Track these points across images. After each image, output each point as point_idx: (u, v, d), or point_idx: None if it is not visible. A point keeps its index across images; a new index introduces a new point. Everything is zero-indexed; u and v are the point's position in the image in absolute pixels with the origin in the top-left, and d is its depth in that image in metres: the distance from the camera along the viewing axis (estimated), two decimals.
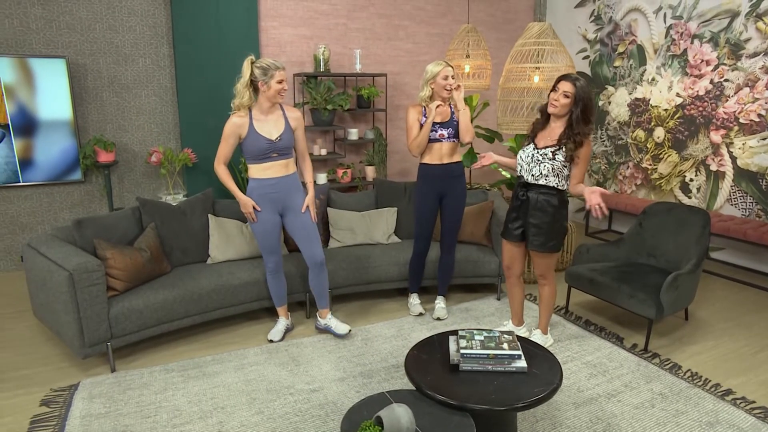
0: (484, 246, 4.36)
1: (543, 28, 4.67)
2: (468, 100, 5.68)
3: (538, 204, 3.20)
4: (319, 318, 3.73)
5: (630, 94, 6.01)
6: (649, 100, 5.81)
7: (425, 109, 3.61)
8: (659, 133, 5.75)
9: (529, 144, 3.26)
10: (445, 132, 3.61)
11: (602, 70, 6.32)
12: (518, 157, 3.30)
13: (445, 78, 3.51)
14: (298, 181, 3.45)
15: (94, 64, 4.93)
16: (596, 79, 6.37)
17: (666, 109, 5.65)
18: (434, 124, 3.58)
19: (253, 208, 3.30)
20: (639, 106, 5.93)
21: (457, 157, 3.72)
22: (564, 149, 3.09)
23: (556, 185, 3.17)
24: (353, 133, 5.70)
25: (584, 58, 6.53)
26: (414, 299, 4.06)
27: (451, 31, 6.41)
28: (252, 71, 3.14)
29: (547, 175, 3.15)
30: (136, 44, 5.05)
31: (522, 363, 2.50)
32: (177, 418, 2.81)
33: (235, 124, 3.20)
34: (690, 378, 3.21)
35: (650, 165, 5.89)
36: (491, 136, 5.70)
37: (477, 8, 6.55)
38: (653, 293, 3.47)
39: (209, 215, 3.90)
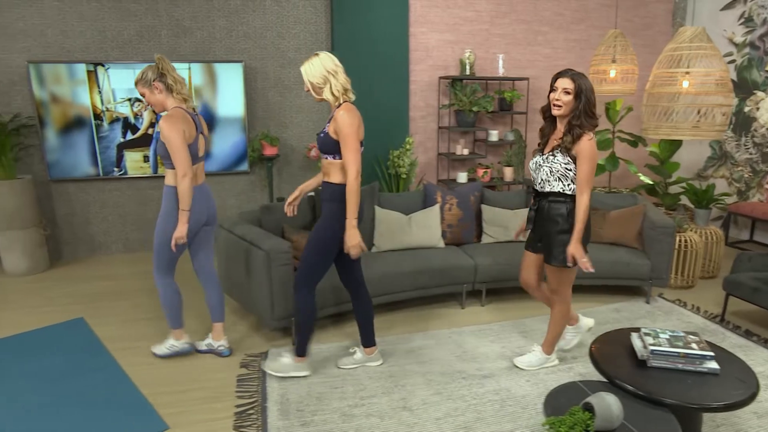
0: (634, 249, 4.33)
1: (696, 32, 4.55)
2: (611, 105, 5.63)
3: (546, 213, 2.97)
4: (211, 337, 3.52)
5: None
6: None
7: None
8: None
9: (539, 152, 3.04)
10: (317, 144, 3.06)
11: (751, 74, 6.02)
12: (528, 166, 3.17)
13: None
14: (167, 193, 3.16)
15: (262, 67, 5.43)
16: (743, 84, 6.07)
17: None
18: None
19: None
20: None
21: (331, 177, 2.95)
22: (562, 144, 2.85)
23: (562, 190, 2.90)
24: (493, 135, 5.83)
25: (730, 62, 6.24)
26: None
27: (589, 37, 6.36)
28: None
29: (548, 180, 2.92)
30: (299, 49, 5.49)
31: (714, 364, 2.51)
32: (362, 391, 3.07)
33: None
34: None
35: None
36: (635, 141, 5.62)
37: (615, 14, 6.45)
38: None
39: (375, 207, 4.18)
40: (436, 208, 4.30)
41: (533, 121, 6.24)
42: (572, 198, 2.90)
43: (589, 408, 2.18)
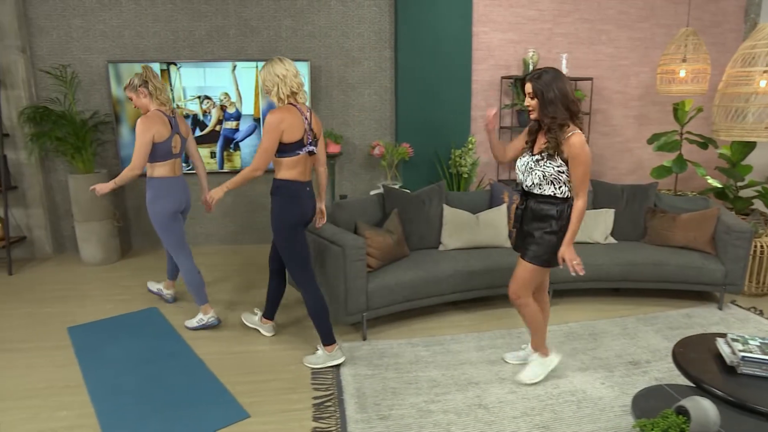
0: (707, 253, 4.22)
1: None
2: (680, 105, 5.49)
3: (536, 214, 2.90)
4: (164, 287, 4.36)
5: None
6: None
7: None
8: None
9: (526, 151, 2.96)
10: None
11: None
12: (516, 166, 3.01)
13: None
14: (147, 183, 3.78)
15: (327, 66, 5.52)
16: None
17: None
18: None
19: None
20: None
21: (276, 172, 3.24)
22: (548, 150, 2.79)
23: (553, 194, 2.83)
24: None
25: None
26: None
27: (653, 35, 6.21)
28: None
29: (540, 184, 2.84)
30: (363, 48, 5.55)
31: None
32: (437, 387, 3.10)
33: None
34: None
35: None
36: (704, 142, 5.46)
37: (683, 11, 6.28)
38: None
39: (444, 205, 4.21)
40: (503, 207, 4.29)
41: (597, 122, 6.13)
42: (563, 200, 2.84)
43: (682, 412, 2.15)
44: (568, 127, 2.74)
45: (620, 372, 3.24)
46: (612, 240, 4.45)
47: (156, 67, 5.21)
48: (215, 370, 3.31)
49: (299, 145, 3.14)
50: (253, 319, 3.84)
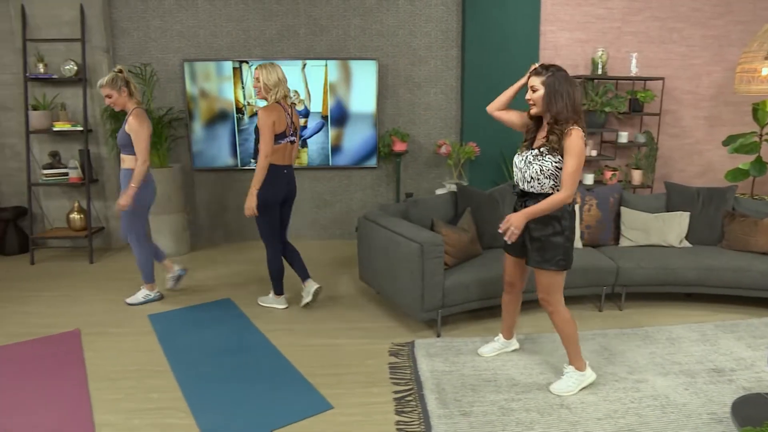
0: None
1: None
2: (760, 106, 5.31)
3: (539, 216, 2.82)
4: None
5: None
6: None
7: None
8: None
9: (524, 147, 2.93)
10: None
11: None
12: (513, 164, 2.99)
13: (255, 79, 3.78)
14: (128, 175, 3.96)
15: (394, 65, 5.58)
16: None
17: None
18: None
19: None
20: None
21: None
22: (548, 145, 2.78)
23: (552, 189, 2.81)
24: (623, 136, 5.67)
25: None
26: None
27: (728, 33, 6.02)
28: None
29: (537, 178, 2.81)
30: (430, 47, 5.59)
31: None
32: (516, 386, 3.10)
33: None
34: None
35: None
36: None
37: (762, 6, 6.05)
38: None
39: None
40: (576, 208, 4.24)
41: (666, 123, 5.99)
42: None
43: None
44: (571, 124, 2.74)
45: (703, 379, 3.17)
46: (687, 243, 4.35)
47: (228, 65, 5.37)
48: (294, 361, 3.40)
49: (282, 135, 3.82)
50: (267, 299, 4.28)
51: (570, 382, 3.06)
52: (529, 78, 2.84)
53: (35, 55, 5.21)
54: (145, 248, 4.20)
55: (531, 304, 4.16)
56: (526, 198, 2.91)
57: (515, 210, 2.98)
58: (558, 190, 2.81)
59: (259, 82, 3.73)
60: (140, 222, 4.11)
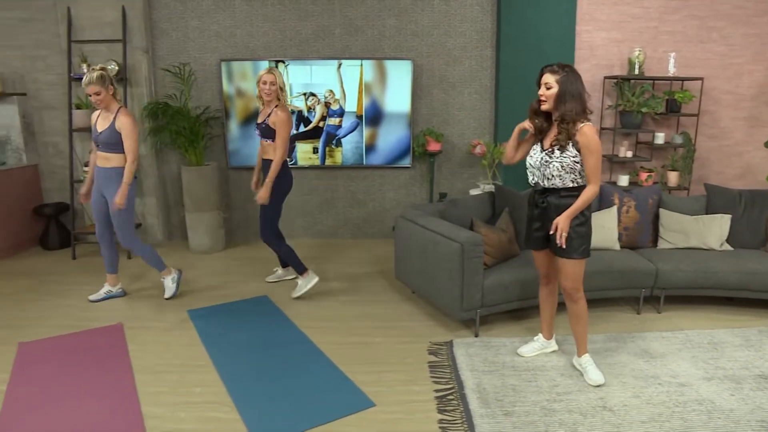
0: None
1: None
2: None
3: (562, 209, 2.96)
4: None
5: None
6: None
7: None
8: None
9: (534, 147, 3.08)
10: (258, 131, 4.19)
11: None
12: (527, 164, 3.11)
13: (264, 83, 4.02)
14: (115, 174, 3.97)
15: (428, 65, 5.59)
16: None
17: None
18: (257, 122, 4.21)
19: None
20: None
21: (270, 155, 4.14)
22: (559, 143, 2.91)
23: (573, 183, 2.95)
24: (660, 137, 5.59)
25: None
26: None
27: None
28: None
29: (559, 175, 2.94)
30: (464, 47, 5.59)
31: None
32: (557, 387, 3.09)
33: (92, 115, 4.10)
34: None
35: None
36: None
37: None
38: None
39: None
40: (614, 209, 4.21)
41: (704, 124, 5.89)
42: (581, 189, 2.96)
43: None
44: (580, 120, 2.88)
45: (750, 385, 3.12)
46: (728, 247, 4.28)
47: (264, 65, 5.44)
48: (333, 358, 3.44)
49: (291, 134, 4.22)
50: (278, 273, 4.73)
51: (596, 370, 3.18)
52: (543, 75, 2.97)
53: (79, 55, 5.34)
54: (140, 243, 4.23)
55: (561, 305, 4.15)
56: (548, 194, 3.03)
57: (536, 206, 3.12)
58: (576, 183, 2.96)
59: (274, 85, 4.01)
60: (131, 218, 4.15)
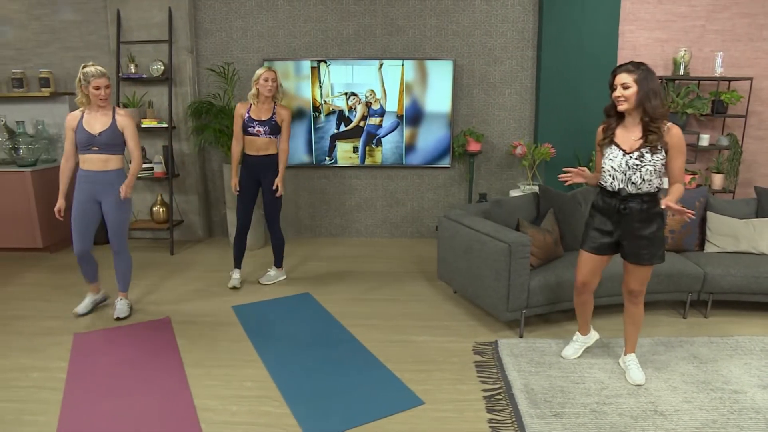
0: None
1: None
2: None
3: (644, 215, 2.92)
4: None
5: None
6: None
7: (251, 107, 4.31)
8: None
9: (612, 150, 2.92)
10: (261, 129, 4.27)
11: None
12: (607, 167, 2.92)
13: (266, 80, 4.18)
14: (117, 177, 3.83)
15: (469, 65, 5.59)
16: None
17: None
18: (253, 120, 4.26)
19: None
20: None
21: (272, 151, 4.35)
22: (650, 144, 2.81)
23: (659, 186, 2.92)
24: (704, 139, 5.49)
25: None
26: (235, 274, 4.65)
27: None
28: (78, 75, 3.67)
29: (650, 180, 2.86)
30: (505, 48, 5.57)
31: None
32: (605, 389, 3.07)
33: (67, 118, 3.79)
34: None
35: None
36: None
37: None
38: None
39: None
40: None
41: (751, 125, 5.76)
42: (656, 195, 2.93)
43: None
44: (665, 121, 2.82)
45: None
46: None
47: (307, 65, 5.50)
48: (380, 356, 3.47)
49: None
50: (271, 274, 4.77)
51: (638, 368, 3.19)
52: (616, 76, 2.84)
53: (127, 56, 5.48)
54: (128, 252, 4.11)
55: (607, 308, 4.12)
56: (630, 200, 2.91)
57: (618, 212, 2.95)
58: (656, 188, 2.91)
59: (275, 81, 4.24)
60: (128, 223, 4.05)
